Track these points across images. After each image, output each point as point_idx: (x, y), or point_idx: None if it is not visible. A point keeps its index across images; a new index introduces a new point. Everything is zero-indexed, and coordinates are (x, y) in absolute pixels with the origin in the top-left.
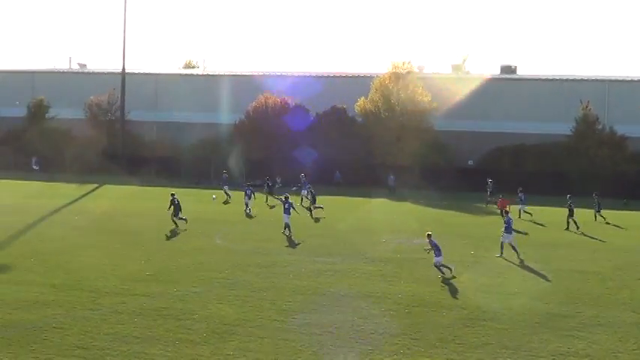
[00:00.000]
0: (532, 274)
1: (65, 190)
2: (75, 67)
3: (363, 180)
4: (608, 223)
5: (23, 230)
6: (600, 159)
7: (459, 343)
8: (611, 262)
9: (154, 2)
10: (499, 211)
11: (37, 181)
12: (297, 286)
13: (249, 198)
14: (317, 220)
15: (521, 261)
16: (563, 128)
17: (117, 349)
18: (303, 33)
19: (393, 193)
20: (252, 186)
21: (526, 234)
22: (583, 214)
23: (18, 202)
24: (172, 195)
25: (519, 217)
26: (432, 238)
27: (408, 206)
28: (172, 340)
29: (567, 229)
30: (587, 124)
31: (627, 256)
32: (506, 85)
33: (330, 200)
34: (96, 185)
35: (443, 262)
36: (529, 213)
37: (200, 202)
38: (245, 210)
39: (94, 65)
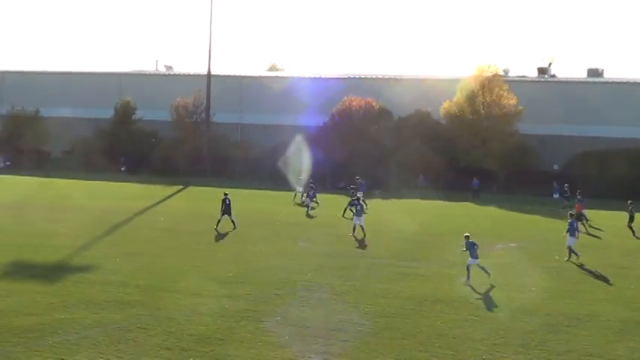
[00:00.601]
0: (617, 281)
1: (151, 192)
2: (161, 70)
3: (447, 184)
4: None
5: (109, 231)
6: None
7: (542, 350)
8: None
9: (239, 5)
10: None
11: (123, 182)
12: (380, 289)
13: (311, 199)
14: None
15: (581, 265)
16: None
17: (200, 350)
18: (388, 35)
19: (477, 197)
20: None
21: (615, 240)
22: None
23: (104, 203)
24: (225, 195)
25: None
26: (469, 240)
27: (491, 210)
28: (254, 342)
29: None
30: None
31: None
32: (592, 88)
33: (413, 204)
34: (181, 187)
35: (480, 264)
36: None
37: (284, 204)
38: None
39: (180, 67)
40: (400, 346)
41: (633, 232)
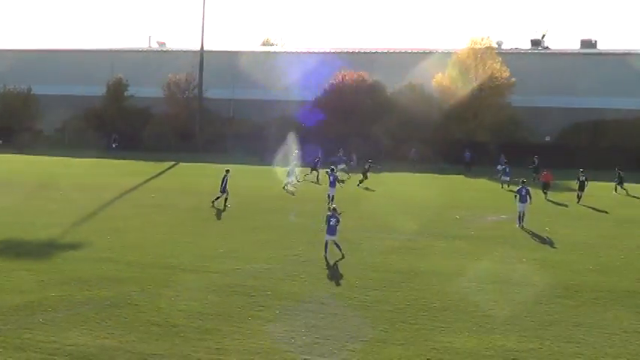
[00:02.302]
0: (607, 251)
1: (142, 168)
2: (154, 46)
3: (439, 156)
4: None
5: (101, 208)
6: None
7: (531, 321)
8: None
9: None
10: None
11: (114, 159)
12: (370, 262)
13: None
14: (387, 195)
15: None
16: None
17: (190, 326)
18: (380, 8)
19: (469, 170)
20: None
21: (605, 212)
22: None
23: (95, 180)
24: (227, 171)
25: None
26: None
27: (483, 183)
28: (244, 317)
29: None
30: None
31: None
32: (586, 61)
33: (405, 177)
34: (172, 163)
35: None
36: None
37: (276, 179)
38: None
39: (173, 44)
40: (390, 318)
41: (579, 198)
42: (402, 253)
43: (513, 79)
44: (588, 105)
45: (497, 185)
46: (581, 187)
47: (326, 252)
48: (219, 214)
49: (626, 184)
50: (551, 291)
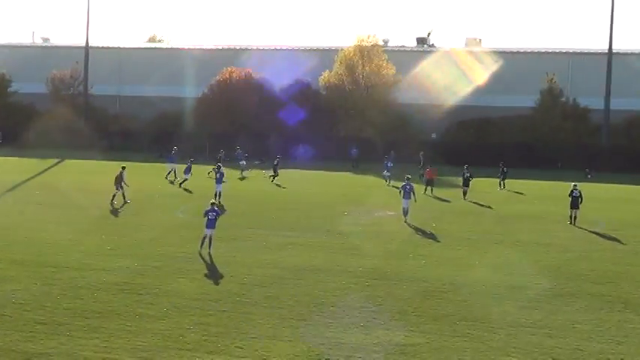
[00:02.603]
0: (492, 247)
1: (26, 165)
2: (38, 41)
3: (327, 153)
4: (510, 191)
5: None
6: (564, 131)
7: (418, 315)
8: (570, 233)
9: None
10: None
11: None
12: (258, 259)
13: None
14: (277, 192)
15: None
16: (528, 101)
17: (76, 324)
18: (266, 6)
19: (357, 166)
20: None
21: (490, 207)
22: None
23: None
24: (123, 168)
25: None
26: None
27: (370, 179)
28: (132, 315)
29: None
30: (551, 97)
31: (586, 228)
32: (470, 58)
33: (294, 174)
34: (58, 160)
35: None
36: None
37: (161, 176)
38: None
39: (58, 39)
40: (278, 315)
41: (464, 194)
42: (291, 250)
43: (400, 77)
44: (473, 103)
45: (383, 181)
46: (466, 183)
47: (201, 246)
48: (106, 211)
49: (511, 180)
50: (438, 286)
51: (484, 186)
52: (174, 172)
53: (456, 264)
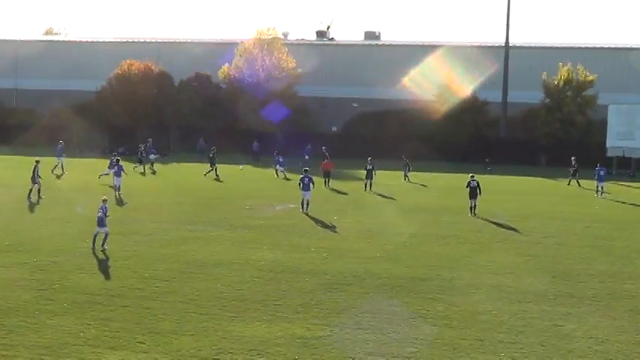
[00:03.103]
0: (394, 239)
1: None
2: None
3: (228, 147)
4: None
5: None
6: (464, 123)
7: (321, 309)
8: (470, 225)
9: None
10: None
11: None
12: (160, 254)
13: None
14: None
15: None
16: (428, 94)
17: None
18: None
19: (258, 160)
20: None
21: (393, 199)
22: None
23: None
24: (37, 162)
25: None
26: None
27: (271, 173)
28: (32, 311)
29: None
30: (450, 91)
31: (486, 220)
32: (370, 51)
33: (194, 167)
34: None
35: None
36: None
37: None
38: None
39: None
40: (181, 309)
41: (367, 187)
42: (192, 244)
43: (300, 70)
44: (374, 95)
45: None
46: (369, 175)
47: (94, 245)
48: (3, 205)
49: (414, 172)
50: (340, 279)
51: (388, 178)
52: (62, 165)
53: (358, 256)
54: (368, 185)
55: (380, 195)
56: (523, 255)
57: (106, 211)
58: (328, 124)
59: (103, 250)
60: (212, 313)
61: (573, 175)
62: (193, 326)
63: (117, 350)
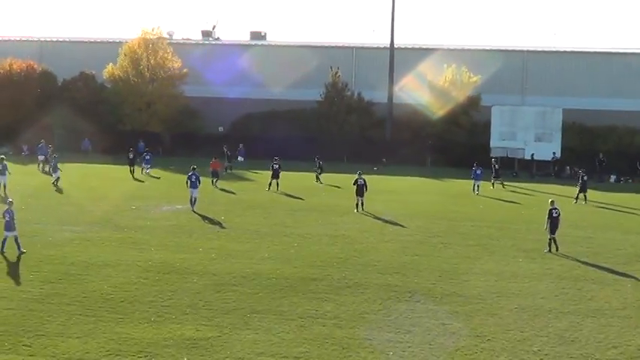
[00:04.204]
0: (282, 239)
1: None
2: None
3: (113, 147)
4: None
5: None
6: (349, 124)
7: (209, 309)
8: (358, 225)
9: None
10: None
11: None
12: (45, 255)
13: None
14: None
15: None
16: (314, 94)
17: None
18: None
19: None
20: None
21: (301, 199)
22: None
23: None
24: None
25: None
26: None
27: (158, 173)
28: None
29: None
30: (336, 91)
31: (374, 219)
32: (256, 51)
33: (78, 168)
34: None
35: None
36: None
37: None
38: None
39: None
40: (67, 311)
41: (273, 186)
42: (77, 245)
43: (185, 70)
44: (260, 95)
45: (170, 175)
46: (276, 175)
47: (3, 249)
48: None
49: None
50: (228, 279)
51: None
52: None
53: (246, 257)
54: (275, 185)
55: (286, 195)
56: (409, 254)
57: (13, 214)
58: (217, 124)
59: (20, 255)
60: (99, 314)
61: (496, 177)
62: (80, 328)
63: (2, 354)
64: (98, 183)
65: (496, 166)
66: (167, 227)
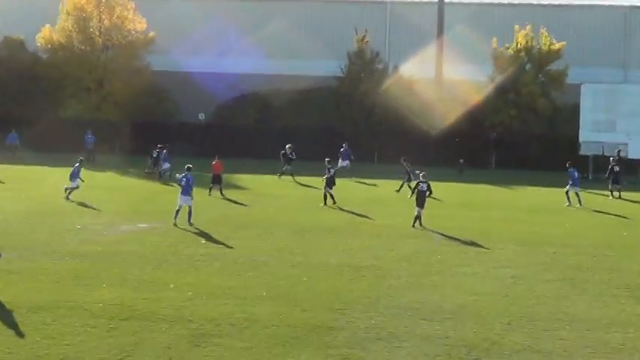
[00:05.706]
0: (286, 271)
1: None
2: None
3: (50, 141)
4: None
5: None
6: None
7: None
8: (393, 251)
9: None
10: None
11: None
12: None
13: None
14: None
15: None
16: (332, 67)
17: None
18: None
19: (94, 159)
20: None
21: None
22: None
23: None
24: None
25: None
26: None
27: (112, 177)
28: None
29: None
30: (363, 62)
31: (415, 240)
32: (252, 8)
33: (1, 170)
34: None
35: None
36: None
37: None
38: None
39: None
40: None
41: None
42: (4, 279)
43: (152, 33)
44: (259, 70)
45: (131, 181)
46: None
47: None
48: None
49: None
50: (210, 328)
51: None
52: None
53: (236, 296)
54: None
55: (293, 206)
56: (465, 292)
57: None
58: (193, 110)
59: None
60: None
61: (615, 183)
62: None
63: None
64: (29, 192)
65: (616, 167)
66: (126, 254)
